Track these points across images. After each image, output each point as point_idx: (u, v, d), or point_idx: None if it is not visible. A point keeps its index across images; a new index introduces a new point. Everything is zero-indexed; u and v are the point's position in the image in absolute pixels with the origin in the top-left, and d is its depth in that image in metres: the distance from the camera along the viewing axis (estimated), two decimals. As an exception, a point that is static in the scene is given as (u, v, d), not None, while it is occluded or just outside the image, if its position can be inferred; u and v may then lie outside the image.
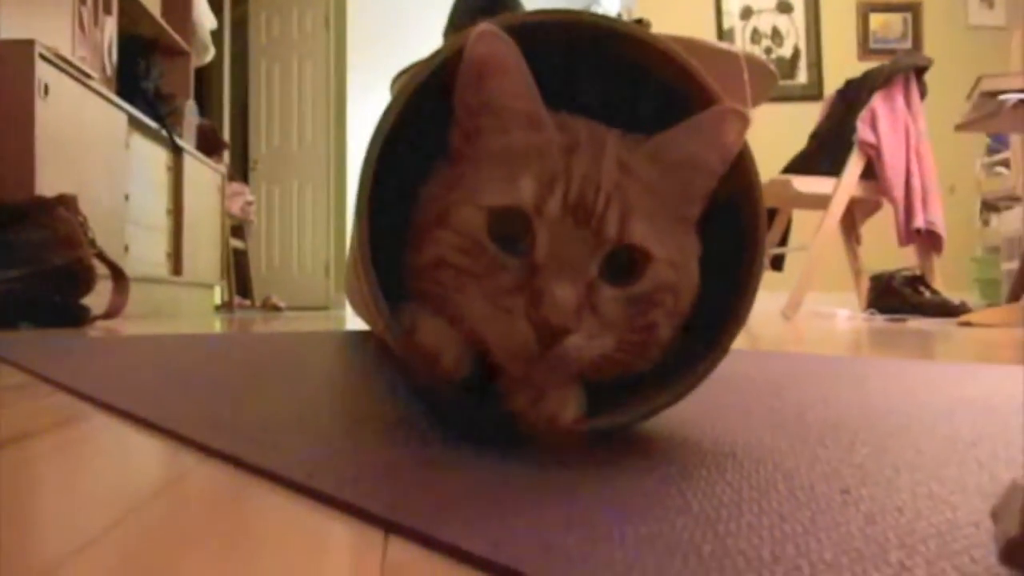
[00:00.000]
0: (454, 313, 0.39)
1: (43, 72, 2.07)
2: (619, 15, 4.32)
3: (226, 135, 4.73)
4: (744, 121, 0.40)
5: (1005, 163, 4.16)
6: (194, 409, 0.51)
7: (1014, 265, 3.13)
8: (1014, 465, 0.37)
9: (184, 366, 0.81)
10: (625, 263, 0.38)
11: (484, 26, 0.39)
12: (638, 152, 0.40)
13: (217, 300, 4.04)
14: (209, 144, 3.76)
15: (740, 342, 1.38)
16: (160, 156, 3.06)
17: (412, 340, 0.39)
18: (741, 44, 4.68)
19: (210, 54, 4.09)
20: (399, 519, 0.26)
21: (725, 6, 4.78)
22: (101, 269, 2.09)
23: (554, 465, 0.35)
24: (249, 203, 4.43)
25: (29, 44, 2.03)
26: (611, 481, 0.32)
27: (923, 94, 2.99)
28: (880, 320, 2.68)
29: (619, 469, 0.35)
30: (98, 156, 2.45)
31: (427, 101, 0.43)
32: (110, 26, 2.84)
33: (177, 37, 3.54)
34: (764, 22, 4.77)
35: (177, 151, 3.18)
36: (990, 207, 4.35)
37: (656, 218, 0.39)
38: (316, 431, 0.44)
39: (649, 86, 0.46)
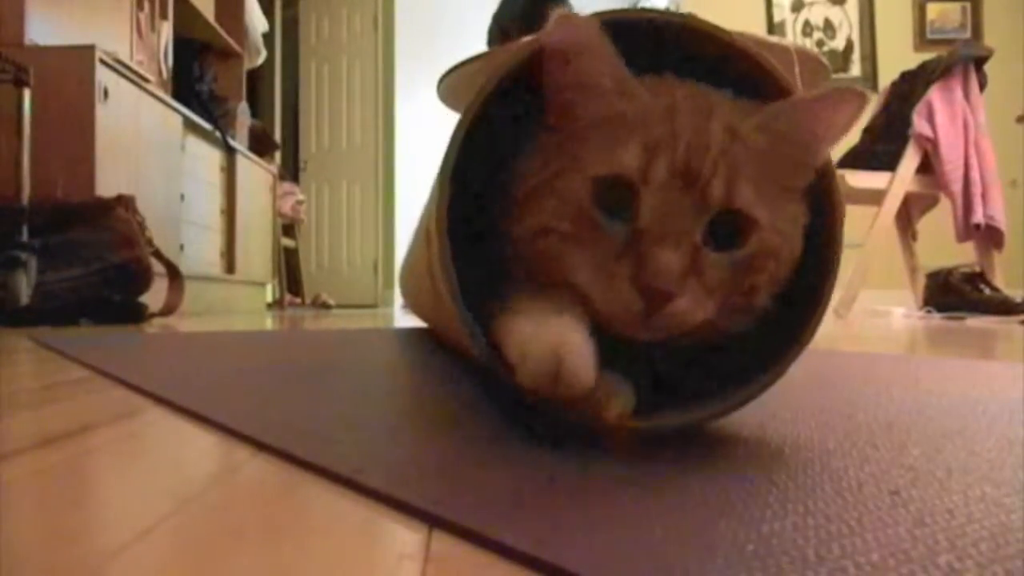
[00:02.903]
0: (560, 279, 0.40)
1: (103, 76, 2.13)
2: (667, 10, 4.27)
3: (277, 136, 4.81)
4: (862, 100, 0.40)
5: (1070, 156, 4.00)
6: (246, 405, 0.52)
7: (1080, 261, 3.02)
8: (1074, 468, 0.36)
9: (237, 362, 0.83)
10: (730, 228, 0.38)
11: (560, 12, 0.40)
12: (747, 120, 0.40)
13: (269, 298, 4.11)
14: (261, 145, 3.83)
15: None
16: (214, 157, 3.13)
17: (527, 371, 0.36)
18: (792, 37, 4.58)
19: (262, 56, 4.16)
20: (443, 514, 0.27)
21: (775, -1, 4.70)
22: (158, 268, 2.15)
23: (599, 463, 0.35)
24: (299, 203, 4.50)
25: (90, 49, 2.09)
26: (656, 479, 0.32)
27: (983, 85, 2.90)
28: (937, 318, 2.61)
29: (664, 468, 0.35)
30: (155, 157, 2.51)
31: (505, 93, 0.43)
32: (166, 30, 2.92)
33: (230, 40, 3.62)
34: (816, 14, 4.67)
35: (230, 152, 3.25)
36: (1054, 201, 4.19)
37: (763, 184, 0.39)
38: (364, 428, 0.45)
39: (725, 84, 0.45)
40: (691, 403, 0.42)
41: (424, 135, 5.10)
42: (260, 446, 0.39)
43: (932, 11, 4.60)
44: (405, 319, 2.46)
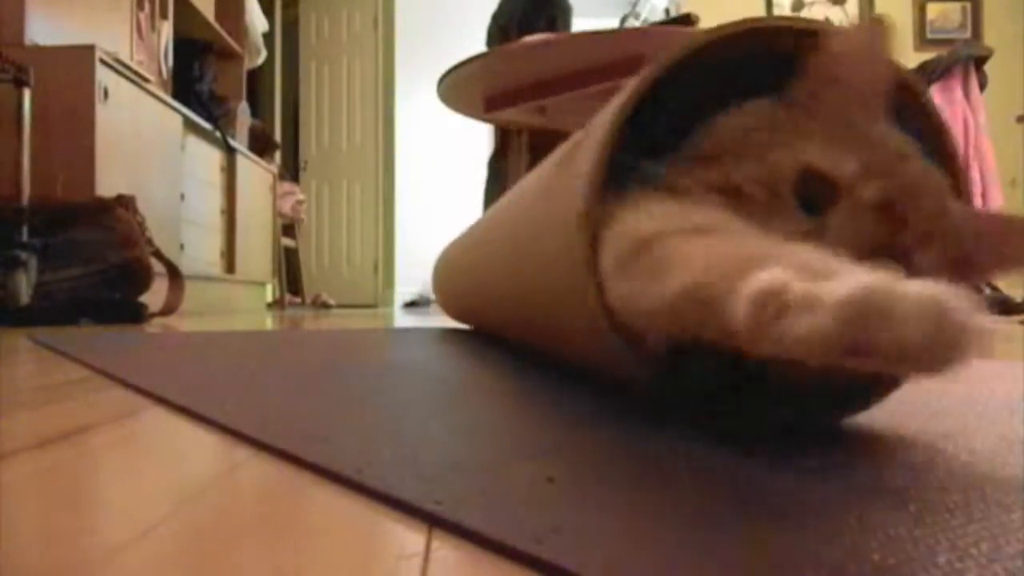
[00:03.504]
0: None
1: (103, 76, 2.13)
2: (666, 10, 4.27)
3: (277, 135, 4.81)
4: None
5: (1070, 155, 4.00)
6: (247, 404, 0.52)
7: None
8: (1074, 468, 0.36)
9: (237, 362, 0.83)
10: None
11: (861, 19, 0.41)
12: (961, 207, 0.41)
13: (269, 298, 4.11)
14: (261, 145, 3.83)
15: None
16: (214, 157, 3.13)
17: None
18: (792, 37, 4.59)
19: (262, 56, 4.17)
20: (443, 514, 0.27)
21: (776, -1, 4.70)
22: (158, 267, 2.15)
23: (600, 462, 0.35)
24: (300, 202, 4.50)
25: (90, 49, 2.09)
26: (655, 479, 0.32)
27: (983, 85, 2.90)
28: (937, 318, 2.60)
29: (664, 467, 0.35)
30: (155, 157, 2.51)
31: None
32: (166, 30, 2.92)
33: (230, 40, 3.62)
34: (816, 14, 4.67)
35: (230, 152, 3.25)
36: (1054, 201, 4.19)
37: (942, 265, 0.40)
38: (365, 428, 0.45)
39: None
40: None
41: (424, 135, 5.11)
42: (260, 446, 0.39)
43: (932, 11, 4.60)
44: (406, 319, 2.46)
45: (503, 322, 0.88)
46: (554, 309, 0.55)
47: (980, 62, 2.88)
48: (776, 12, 4.69)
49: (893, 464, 0.36)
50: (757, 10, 4.70)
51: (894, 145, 0.41)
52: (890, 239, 0.38)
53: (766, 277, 0.27)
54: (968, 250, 0.41)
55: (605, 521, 0.26)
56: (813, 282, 0.25)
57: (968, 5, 4.57)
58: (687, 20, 2.12)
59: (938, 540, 0.25)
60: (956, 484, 0.32)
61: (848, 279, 0.24)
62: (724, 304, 0.28)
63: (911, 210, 0.38)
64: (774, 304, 0.26)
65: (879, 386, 0.46)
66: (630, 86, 0.44)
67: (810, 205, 0.39)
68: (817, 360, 0.25)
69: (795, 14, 4.66)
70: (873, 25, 0.41)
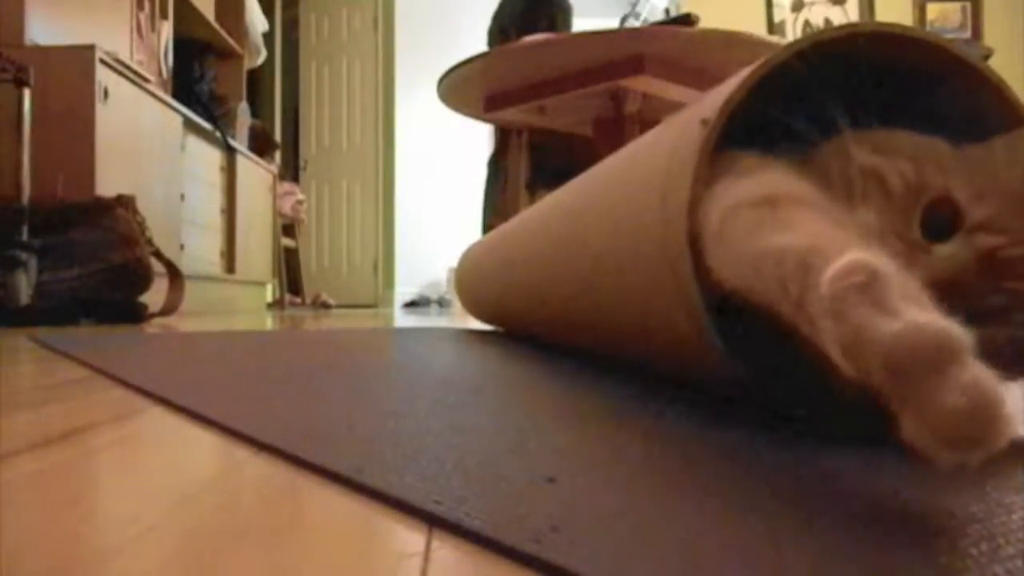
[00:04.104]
0: None
1: (103, 76, 2.13)
2: (666, 10, 4.28)
3: (277, 135, 4.81)
4: None
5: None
6: (247, 404, 0.52)
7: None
8: (1074, 468, 0.36)
9: (238, 362, 0.83)
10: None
11: None
12: None
13: (269, 298, 4.12)
14: (261, 145, 3.84)
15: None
16: (214, 157, 3.13)
17: None
18: (792, 37, 4.58)
19: (262, 56, 4.17)
20: (443, 514, 0.27)
21: (776, -1, 4.70)
22: (158, 267, 2.15)
23: (600, 462, 0.35)
24: (300, 202, 4.50)
25: (90, 49, 2.09)
26: (654, 479, 0.32)
27: (983, 85, 2.90)
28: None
29: (666, 467, 0.35)
30: (155, 157, 2.51)
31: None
32: (166, 30, 2.92)
33: (230, 40, 3.62)
34: (816, 14, 4.67)
35: (230, 152, 3.25)
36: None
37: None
38: (365, 427, 0.45)
39: (940, 96, 0.46)
40: None
41: (424, 135, 5.11)
42: (260, 446, 0.39)
43: (932, 11, 4.60)
44: (406, 319, 2.46)
45: (557, 311, 0.83)
46: (636, 274, 0.54)
47: (980, 62, 2.88)
48: (776, 12, 4.69)
49: (893, 465, 0.36)
50: (757, 10, 4.70)
51: None
52: (977, 289, 0.39)
53: (867, 255, 0.27)
54: None
55: (605, 521, 0.26)
56: (907, 298, 0.26)
57: (968, 5, 4.57)
58: (687, 20, 2.11)
59: (938, 540, 0.25)
60: (956, 485, 0.32)
61: (931, 315, 0.25)
62: (820, 267, 0.29)
63: (1013, 282, 0.39)
64: (863, 278, 0.27)
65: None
66: (792, 43, 0.44)
67: (931, 228, 0.40)
68: (856, 363, 0.26)
69: (794, 15, 4.66)
70: None
